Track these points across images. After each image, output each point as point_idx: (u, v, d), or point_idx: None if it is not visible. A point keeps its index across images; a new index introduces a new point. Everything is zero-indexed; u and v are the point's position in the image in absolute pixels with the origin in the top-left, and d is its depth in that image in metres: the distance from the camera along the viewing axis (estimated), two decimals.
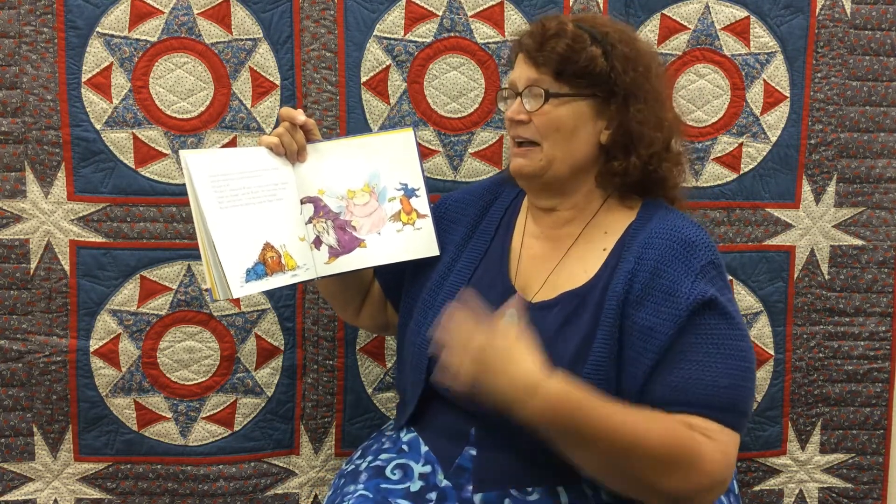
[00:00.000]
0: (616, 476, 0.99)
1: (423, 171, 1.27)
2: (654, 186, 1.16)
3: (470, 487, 1.09)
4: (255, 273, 1.12)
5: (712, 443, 0.98)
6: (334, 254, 1.21)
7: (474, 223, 1.26)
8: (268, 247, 1.14)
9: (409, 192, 1.25)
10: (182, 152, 1.12)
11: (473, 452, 1.12)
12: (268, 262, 1.14)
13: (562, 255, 1.15)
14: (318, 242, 1.20)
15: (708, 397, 1.00)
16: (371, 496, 1.10)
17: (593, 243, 1.14)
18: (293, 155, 1.20)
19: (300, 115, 1.19)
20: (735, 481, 1.24)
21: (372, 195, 1.24)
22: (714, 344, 1.02)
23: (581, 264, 1.12)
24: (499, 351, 0.94)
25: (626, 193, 1.16)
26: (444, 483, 1.11)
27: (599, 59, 1.09)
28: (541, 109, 1.10)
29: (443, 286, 1.20)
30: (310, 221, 1.20)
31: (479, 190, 1.31)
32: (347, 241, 1.22)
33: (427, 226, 1.25)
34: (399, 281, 1.31)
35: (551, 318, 1.09)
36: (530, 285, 1.15)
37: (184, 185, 1.47)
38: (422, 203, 1.25)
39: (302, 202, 1.20)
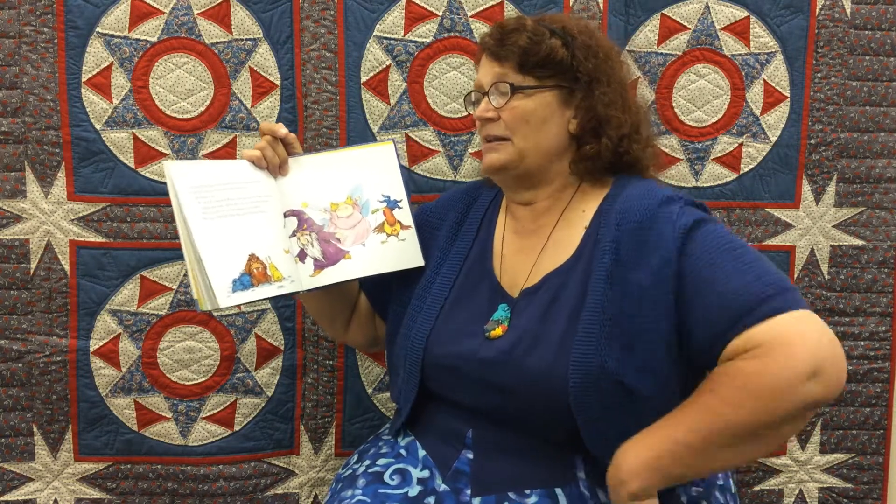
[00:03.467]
0: (746, 448, 0.95)
1: (404, 183, 1.27)
2: (626, 169, 1.17)
3: (468, 491, 1.09)
4: (241, 283, 1.11)
5: (760, 353, 0.91)
6: (319, 266, 1.20)
7: (455, 227, 1.27)
8: (253, 258, 1.13)
9: (392, 204, 1.26)
10: (165, 162, 1.11)
11: (470, 456, 1.12)
12: (254, 273, 1.13)
13: (543, 243, 1.16)
14: (302, 255, 1.20)
15: (732, 311, 0.95)
16: (369, 501, 1.10)
17: (573, 226, 1.15)
18: (275, 168, 1.20)
19: (281, 129, 1.19)
20: (732, 480, 1.24)
21: (355, 207, 1.24)
22: (712, 264, 0.98)
23: (563, 247, 1.14)
24: None
25: (598, 177, 1.17)
26: (443, 487, 1.11)
27: (560, 50, 1.12)
28: (508, 104, 1.12)
29: (430, 291, 1.21)
30: (294, 234, 1.19)
31: (458, 194, 1.33)
32: (332, 254, 1.21)
33: (411, 237, 1.26)
34: (385, 292, 1.32)
35: (538, 300, 1.10)
36: (516, 279, 1.15)
37: None
38: (405, 214, 1.26)
39: (285, 215, 1.20)
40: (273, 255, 1.16)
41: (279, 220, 1.19)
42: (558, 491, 1.07)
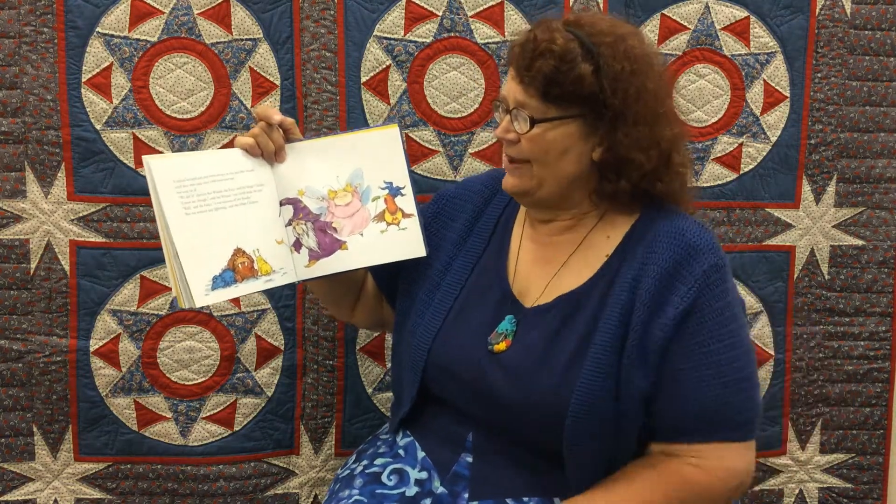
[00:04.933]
0: None
1: (409, 168, 1.22)
2: (654, 198, 1.12)
3: (466, 495, 1.08)
4: (222, 280, 1.08)
5: (705, 466, 1.05)
6: (314, 256, 1.17)
7: (471, 221, 1.23)
8: (238, 252, 1.11)
9: (394, 191, 1.21)
10: (146, 158, 1.08)
11: (470, 459, 1.11)
12: (238, 269, 1.10)
13: (563, 260, 1.13)
14: (298, 245, 1.16)
15: (697, 423, 1.04)
16: (366, 501, 1.09)
17: (596, 248, 1.12)
18: (270, 155, 1.15)
19: (276, 114, 1.14)
20: None
21: (354, 195, 1.20)
22: (702, 364, 1.03)
23: (581, 269, 1.11)
24: None
25: (624, 207, 1.13)
26: (440, 490, 1.10)
27: (588, 79, 1.02)
28: (528, 133, 1.06)
29: (440, 286, 1.19)
30: (289, 224, 1.17)
31: (476, 185, 1.28)
32: (328, 244, 1.18)
33: (413, 225, 1.20)
34: (394, 277, 1.28)
35: (548, 320, 1.08)
36: (529, 290, 1.13)
37: None
38: (407, 202, 1.20)
39: (281, 204, 1.16)
40: (263, 247, 1.13)
41: (273, 209, 1.16)
42: (556, 500, 1.07)
